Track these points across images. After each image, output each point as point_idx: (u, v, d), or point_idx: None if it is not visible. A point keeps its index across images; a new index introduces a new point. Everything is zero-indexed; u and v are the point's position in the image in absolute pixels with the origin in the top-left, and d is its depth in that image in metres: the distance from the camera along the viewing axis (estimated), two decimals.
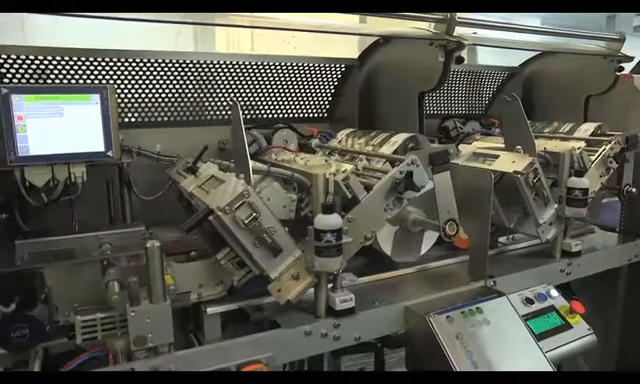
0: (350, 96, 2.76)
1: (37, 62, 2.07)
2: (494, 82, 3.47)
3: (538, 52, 3.40)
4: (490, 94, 3.51)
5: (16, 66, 2.05)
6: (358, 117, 2.70)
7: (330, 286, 1.76)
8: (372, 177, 1.90)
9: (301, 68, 2.66)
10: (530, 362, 1.82)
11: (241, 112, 1.58)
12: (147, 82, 2.39)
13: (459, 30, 2.25)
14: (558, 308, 2.16)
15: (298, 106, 2.83)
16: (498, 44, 2.77)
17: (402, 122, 2.44)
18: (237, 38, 10.08)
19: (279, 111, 2.79)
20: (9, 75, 2.05)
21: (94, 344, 1.61)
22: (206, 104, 2.58)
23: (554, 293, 2.23)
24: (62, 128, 1.79)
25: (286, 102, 2.78)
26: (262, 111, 2.73)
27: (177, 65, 2.40)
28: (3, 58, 2.01)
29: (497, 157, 2.27)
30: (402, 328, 1.93)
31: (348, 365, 3.10)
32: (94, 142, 1.83)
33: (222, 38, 10.46)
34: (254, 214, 1.54)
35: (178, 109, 2.54)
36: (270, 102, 2.74)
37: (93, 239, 1.95)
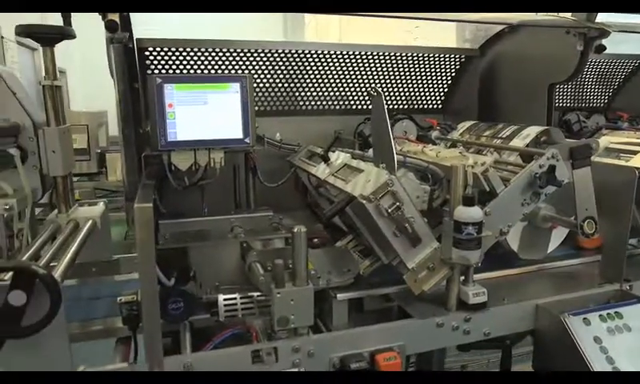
0: (469, 87, 2.70)
1: (175, 52, 2.21)
2: (621, 71, 3.23)
3: None
4: (615, 85, 3.29)
5: (159, 57, 2.19)
6: (477, 109, 2.63)
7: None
8: (504, 170, 1.85)
9: (420, 58, 2.63)
10: None
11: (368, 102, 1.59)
12: (267, 71, 2.46)
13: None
14: None
15: (412, 98, 2.80)
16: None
17: (528, 115, 2.35)
18: (326, 27, 10.21)
19: (393, 102, 2.78)
20: (152, 66, 2.20)
21: (235, 322, 1.70)
22: (325, 94, 2.63)
23: None
24: (205, 115, 1.89)
25: (400, 93, 2.76)
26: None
27: (295, 55, 2.45)
28: (149, 50, 2.15)
29: (635, 153, 2.13)
30: (532, 326, 1.87)
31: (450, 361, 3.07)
32: (234, 129, 1.92)
33: (312, 28, 10.64)
34: (397, 204, 1.55)
35: (299, 98, 2.59)
36: (385, 93, 2.73)
37: (225, 222, 2.05)
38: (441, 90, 2.81)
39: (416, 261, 1.64)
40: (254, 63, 2.38)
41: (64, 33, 1.78)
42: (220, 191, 2.31)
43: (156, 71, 2.21)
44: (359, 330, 1.66)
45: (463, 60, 2.69)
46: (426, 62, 2.65)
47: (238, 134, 1.93)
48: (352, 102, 2.70)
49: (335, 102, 2.67)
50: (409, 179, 1.74)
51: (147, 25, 2.26)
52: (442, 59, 2.67)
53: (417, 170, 1.85)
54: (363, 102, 2.71)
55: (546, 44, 2.26)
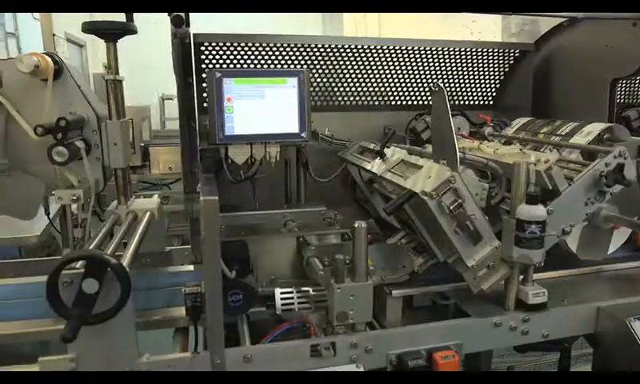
0: (522, 83, 2.63)
1: (229, 47, 2.23)
2: None
3: None
4: None
5: (213, 51, 2.22)
6: (531, 105, 2.57)
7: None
8: (565, 168, 1.80)
9: (472, 53, 2.58)
10: None
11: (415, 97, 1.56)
12: (318, 66, 2.45)
13: None
14: None
15: (463, 93, 2.75)
16: None
17: (586, 111, 2.27)
18: (364, 19, 10.15)
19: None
20: (205, 61, 2.23)
21: (290, 315, 1.71)
22: (374, 89, 2.61)
23: None
24: (262, 109, 1.91)
25: (451, 89, 2.72)
26: (429, 97, 2.69)
27: (346, 49, 2.43)
28: (205, 45, 2.18)
29: None
30: (592, 329, 1.81)
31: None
32: (290, 124, 1.93)
33: (350, 23, 10.60)
34: (459, 201, 1.52)
35: (349, 93, 2.58)
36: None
37: (278, 216, 2.07)
38: (492, 85, 2.75)
39: (476, 259, 1.61)
40: (304, 57, 2.38)
41: (127, 29, 1.82)
42: (270, 185, 2.33)
43: (210, 66, 2.24)
44: (417, 327, 1.64)
45: (517, 55, 2.62)
46: (479, 57, 2.60)
47: (294, 128, 1.93)
48: (402, 98, 2.67)
49: (384, 98, 2.64)
50: (468, 176, 1.71)
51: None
52: (495, 54, 2.61)
53: (474, 167, 1.82)
54: (413, 98, 2.67)
55: (610, 37, 2.18)
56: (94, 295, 1.27)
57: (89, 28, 1.80)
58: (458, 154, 1.52)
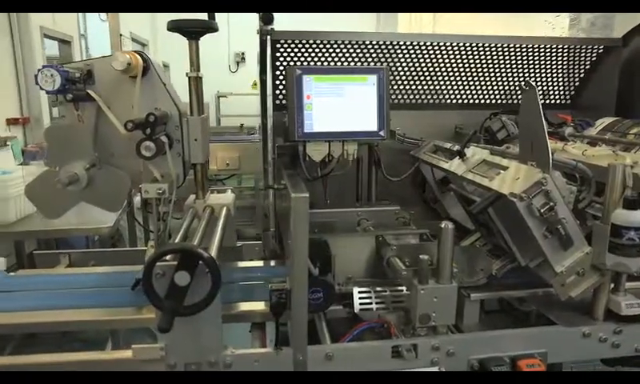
0: (606, 80, 2.50)
1: (304, 44, 2.24)
2: None
3: None
4: None
5: (289, 49, 2.23)
6: (615, 104, 2.44)
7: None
8: None
9: (551, 50, 2.48)
10: None
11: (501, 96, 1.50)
12: (390, 64, 2.42)
13: None
14: None
15: (539, 92, 2.65)
16: None
17: None
18: (419, 16, 10.01)
19: (519, 96, 2.64)
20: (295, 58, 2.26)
21: (368, 315, 1.70)
22: (445, 87, 2.55)
23: None
24: (341, 107, 1.90)
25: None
26: (506, 96, 2.61)
27: (416, 47, 2.39)
28: (281, 42, 2.20)
29: None
30: None
31: None
32: (369, 122, 1.91)
33: (404, 20, 10.48)
34: (551, 204, 1.46)
35: (420, 91, 2.54)
36: (510, 86, 2.60)
37: (352, 215, 2.05)
38: (572, 83, 2.63)
39: (565, 264, 1.55)
40: (374, 54, 2.36)
41: (209, 27, 1.85)
42: (340, 183, 2.32)
43: (284, 63, 2.25)
44: (500, 332, 1.60)
45: (601, 51, 2.50)
46: (558, 54, 2.50)
47: (372, 126, 1.92)
48: (474, 96, 2.60)
49: (456, 96, 2.58)
50: (557, 178, 1.64)
51: None
52: (576, 50, 2.49)
53: (560, 169, 1.74)
54: (487, 97, 2.60)
55: None
56: (185, 287, 1.29)
57: (173, 26, 1.83)
58: (550, 155, 1.46)
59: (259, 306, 1.75)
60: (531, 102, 1.51)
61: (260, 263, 2.26)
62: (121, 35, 7.38)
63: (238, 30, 7.76)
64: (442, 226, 1.45)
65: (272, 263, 2.23)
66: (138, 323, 1.83)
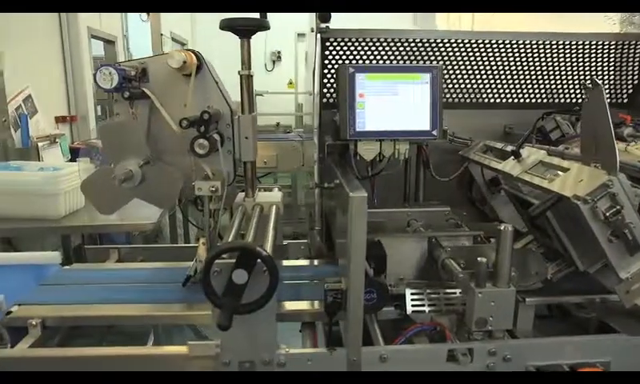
0: None
1: (354, 42, 2.22)
2: None
3: None
4: None
5: (338, 47, 2.22)
6: None
7: None
8: None
9: (607, 47, 2.39)
10: None
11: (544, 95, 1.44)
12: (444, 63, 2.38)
13: None
14: None
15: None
16: None
17: None
18: (458, 16, 9.87)
19: (571, 95, 2.56)
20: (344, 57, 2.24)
21: (420, 317, 1.67)
22: (495, 86, 2.49)
23: None
24: (393, 106, 1.87)
25: (577, 85, 2.54)
26: (559, 95, 2.53)
27: (467, 45, 2.34)
28: (330, 40, 2.19)
29: None
30: None
31: None
32: (421, 121, 1.88)
33: (442, 17, 10.35)
34: (617, 207, 1.40)
35: (469, 90, 2.49)
36: (562, 85, 2.52)
37: (401, 215, 2.03)
38: (629, 81, 2.53)
39: (631, 271, 1.48)
40: (417, 52, 2.31)
41: (261, 25, 1.85)
42: (386, 183, 2.29)
43: (333, 61, 2.24)
44: (560, 339, 1.55)
45: None
46: (617, 51, 2.40)
47: (425, 125, 1.88)
48: (524, 95, 2.53)
49: (506, 95, 2.52)
50: (622, 181, 1.57)
51: None
52: (635, 46, 2.39)
53: (624, 171, 1.68)
54: (538, 96, 2.53)
55: None
56: (242, 285, 1.30)
57: (226, 25, 1.84)
58: (617, 156, 1.40)
59: (308, 305, 1.74)
60: (597, 101, 1.45)
61: (307, 262, 2.26)
62: (161, 35, 7.52)
63: (274, 30, 7.77)
64: (502, 228, 1.41)
65: (315, 262, 2.22)
66: (190, 320, 1.85)
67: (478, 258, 1.44)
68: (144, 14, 7.57)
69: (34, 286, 1.92)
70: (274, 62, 11.42)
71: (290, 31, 10.22)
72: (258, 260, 1.28)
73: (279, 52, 11.26)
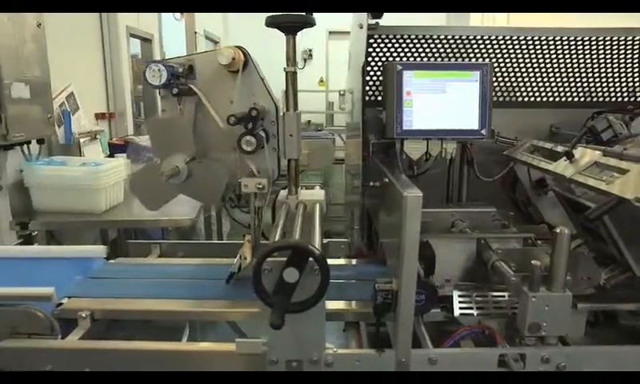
0: None
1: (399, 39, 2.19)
2: None
3: None
4: None
5: (382, 44, 2.19)
6: None
7: None
8: None
9: None
10: None
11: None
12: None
13: None
14: None
15: None
16: None
17: None
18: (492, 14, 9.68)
19: (623, 93, 2.47)
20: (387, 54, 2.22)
21: (468, 320, 1.64)
22: (545, 84, 2.43)
23: None
24: (442, 104, 1.84)
25: (630, 82, 2.45)
26: (609, 94, 2.45)
27: (515, 42, 2.28)
28: (374, 37, 2.16)
29: None
30: None
31: None
32: (470, 120, 1.84)
33: (476, 15, 10.18)
34: None
35: (515, 88, 2.43)
36: (613, 83, 2.44)
37: (446, 215, 1.99)
38: None
39: None
40: (462, 50, 2.26)
41: (306, 22, 1.84)
42: (427, 182, 2.25)
43: (376, 58, 2.22)
44: (619, 348, 1.50)
45: None
46: None
47: (473, 124, 1.84)
48: (572, 94, 2.46)
49: (553, 94, 2.45)
50: None
51: None
52: None
53: None
54: (587, 94, 2.45)
55: None
56: (293, 284, 1.29)
57: (271, 22, 1.84)
58: None
59: (352, 305, 1.72)
60: None
61: (348, 261, 2.24)
62: (195, 33, 7.60)
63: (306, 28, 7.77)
64: (558, 231, 1.37)
65: (353, 262, 2.20)
66: (233, 317, 1.86)
67: (532, 262, 1.40)
68: (178, 13, 7.65)
69: (81, 279, 1.96)
70: (305, 60, 11.41)
71: (321, 29, 10.21)
72: (310, 259, 1.27)
73: (310, 50, 11.25)
